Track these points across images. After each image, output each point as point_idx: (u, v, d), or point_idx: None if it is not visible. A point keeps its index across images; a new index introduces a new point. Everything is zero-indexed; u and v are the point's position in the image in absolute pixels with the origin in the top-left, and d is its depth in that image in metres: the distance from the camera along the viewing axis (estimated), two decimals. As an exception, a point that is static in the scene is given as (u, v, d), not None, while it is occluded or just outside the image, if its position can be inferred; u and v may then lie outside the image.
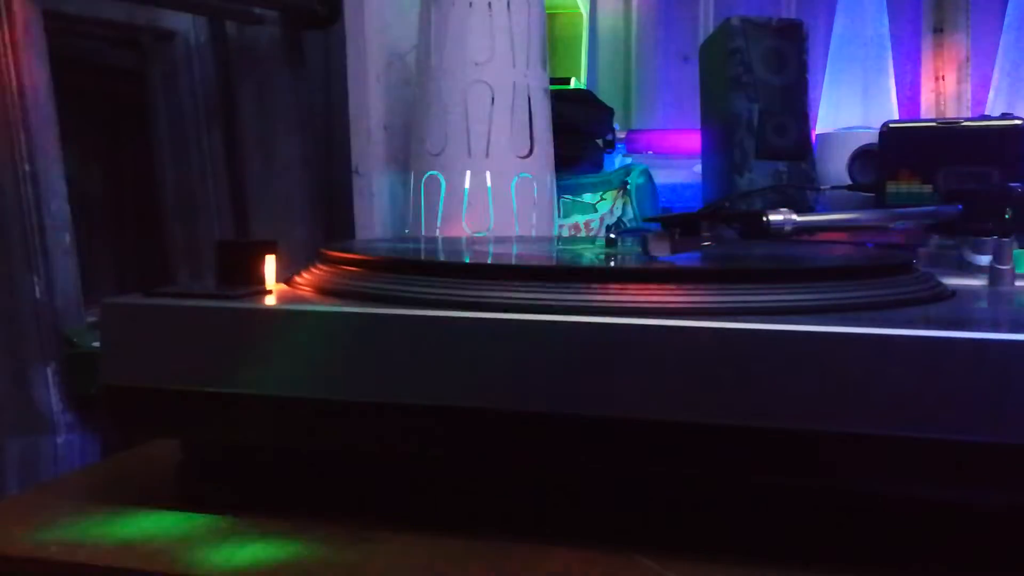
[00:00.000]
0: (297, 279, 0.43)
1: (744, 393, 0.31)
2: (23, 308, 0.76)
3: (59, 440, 0.77)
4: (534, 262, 0.46)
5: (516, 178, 0.76)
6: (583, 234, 0.92)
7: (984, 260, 0.45)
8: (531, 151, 0.77)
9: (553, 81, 0.84)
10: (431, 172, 0.77)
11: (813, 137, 0.99)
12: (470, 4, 0.75)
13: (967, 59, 1.13)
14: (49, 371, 0.76)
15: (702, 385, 0.32)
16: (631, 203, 0.93)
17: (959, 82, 1.13)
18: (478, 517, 0.36)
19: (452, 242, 0.63)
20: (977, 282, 0.44)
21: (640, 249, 0.46)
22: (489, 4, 0.75)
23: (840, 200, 0.93)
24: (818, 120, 1.18)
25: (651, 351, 0.32)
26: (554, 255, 0.49)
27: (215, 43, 1.00)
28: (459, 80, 0.76)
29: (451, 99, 0.76)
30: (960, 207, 0.53)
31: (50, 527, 0.36)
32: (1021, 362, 0.29)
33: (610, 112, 1.13)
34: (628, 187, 0.94)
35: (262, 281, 0.40)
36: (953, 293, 0.40)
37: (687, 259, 0.44)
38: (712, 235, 0.46)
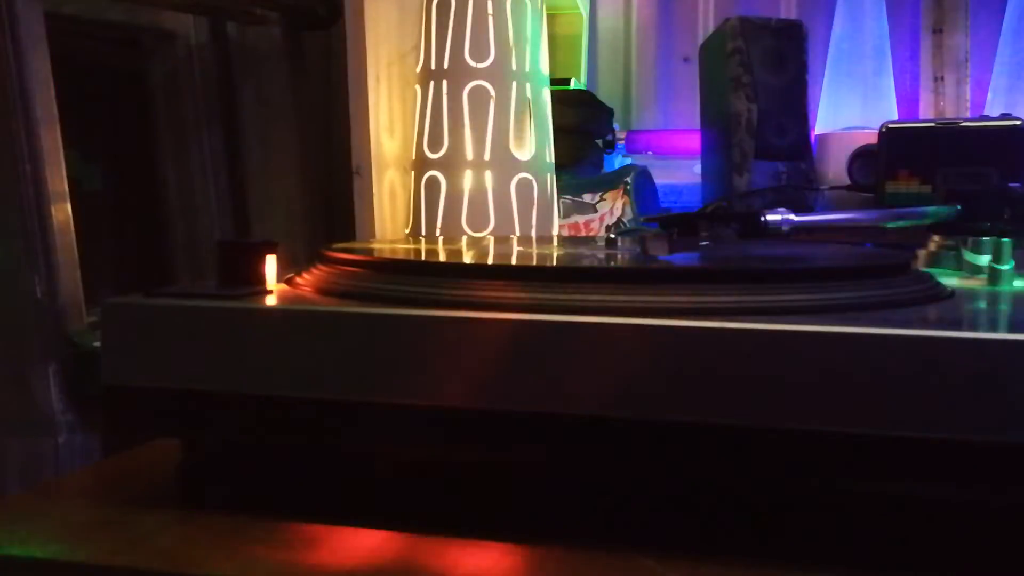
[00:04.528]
0: (297, 279, 0.43)
1: (743, 393, 0.31)
2: (24, 308, 0.76)
3: (59, 440, 0.77)
4: (534, 262, 0.46)
5: (516, 178, 0.76)
6: (583, 234, 0.92)
7: (983, 260, 0.45)
8: (531, 151, 0.77)
9: (553, 81, 0.84)
10: (431, 172, 0.77)
11: (812, 137, 0.99)
12: (470, 4, 0.75)
13: (966, 59, 1.13)
14: (50, 371, 0.76)
15: (701, 385, 0.32)
16: (631, 203, 0.93)
17: (958, 82, 1.13)
18: (477, 517, 0.36)
19: (452, 242, 0.63)
20: (976, 282, 0.44)
21: (639, 249, 0.46)
22: (489, 4, 0.75)
23: (839, 200, 0.93)
24: (817, 120, 1.18)
25: (650, 351, 0.32)
26: (554, 255, 0.49)
27: (215, 43, 1.01)
28: (459, 80, 0.76)
29: (451, 99, 0.76)
30: (960, 207, 0.53)
31: (50, 527, 0.36)
32: (1021, 362, 0.29)
33: (610, 112, 1.13)
34: (628, 187, 0.94)
35: (262, 281, 0.40)
36: (952, 293, 0.40)
37: (686, 259, 0.44)
38: (711, 235, 0.46)
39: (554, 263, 0.44)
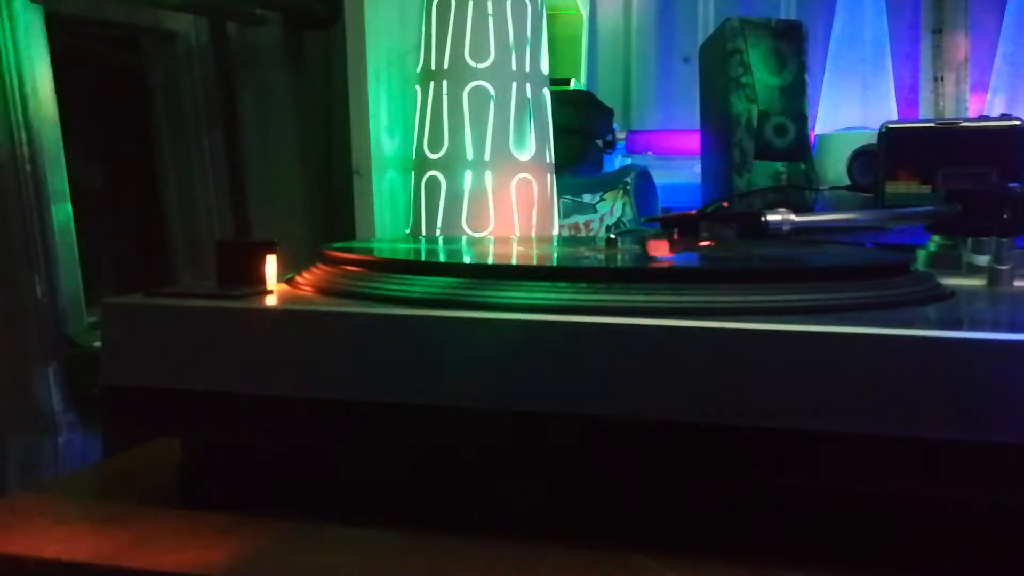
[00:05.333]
0: (297, 279, 0.43)
1: (744, 393, 0.31)
2: (24, 308, 0.76)
3: (59, 440, 0.77)
4: (534, 262, 0.46)
5: (516, 178, 0.76)
6: (583, 234, 0.92)
7: (983, 260, 0.45)
8: (531, 151, 0.77)
9: (553, 82, 0.84)
10: (431, 172, 0.77)
11: (812, 138, 0.99)
12: (470, 4, 0.75)
13: (966, 60, 1.13)
14: (50, 371, 0.76)
15: (702, 385, 0.32)
16: (631, 203, 0.93)
17: (958, 83, 1.13)
18: (478, 517, 0.36)
19: (452, 242, 0.63)
20: (976, 282, 0.44)
21: (639, 249, 0.46)
22: (489, 4, 0.75)
23: (839, 200, 0.93)
24: (817, 121, 1.18)
25: (651, 351, 0.32)
26: (554, 255, 0.49)
27: (215, 43, 1.00)
28: (459, 80, 0.76)
29: (451, 99, 0.76)
30: (960, 207, 0.53)
31: (50, 527, 0.36)
32: (1020, 362, 0.29)
33: (610, 113, 1.13)
34: (628, 187, 0.94)
35: (262, 281, 0.40)
36: (952, 293, 0.40)
37: (686, 259, 0.44)
38: (711, 236, 0.46)
39: (554, 263, 0.44)
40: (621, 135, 1.21)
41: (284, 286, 0.42)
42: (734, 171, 0.91)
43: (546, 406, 0.33)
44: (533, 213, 0.77)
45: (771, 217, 0.49)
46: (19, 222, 0.75)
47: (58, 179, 0.77)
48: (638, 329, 0.32)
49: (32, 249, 0.75)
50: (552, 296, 0.35)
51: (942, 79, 1.13)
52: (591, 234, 0.92)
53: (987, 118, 0.86)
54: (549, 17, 0.85)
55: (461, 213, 0.76)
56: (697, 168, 1.12)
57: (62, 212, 0.78)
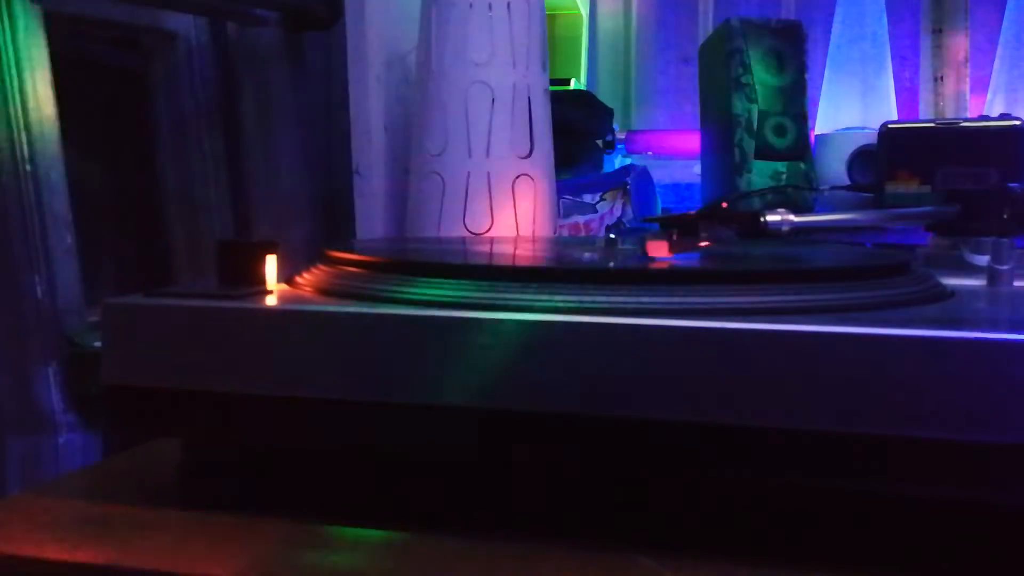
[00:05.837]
0: (298, 279, 0.43)
1: (744, 393, 0.31)
2: (24, 308, 0.76)
3: (60, 440, 0.77)
4: (534, 262, 0.46)
5: (516, 178, 0.76)
6: (583, 234, 0.92)
7: (983, 260, 0.45)
8: (531, 151, 0.77)
9: (553, 82, 0.84)
10: (431, 172, 0.77)
11: (812, 138, 0.99)
12: (470, 4, 0.75)
13: (966, 59, 1.13)
14: (50, 371, 0.76)
15: (702, 385, 0.32)
16: (631, 203, 0.93)
17: (958, 82, 1.13)
18: (476, 517, 0.36)
19: (452, 242, 0.63)
20: (976, 282, 0.44)
21: (639, 250, 0.46)
22: (489, 4, 0.75)
23: (839, 201, 0.93)
24: (817, 120, 1.18)
25: (651, 351, 0.32)
26: (554, 255, 0.49)
27: (216, 44, 1.01)
28: (459, 80, 0.76)
29: (451, 99, 0.76)
30: (960, 207, 0.53)
31: (50, 527, 0.36)
32: (1021, 362, 0.29)
33: (610, 113, 1.13)
34: (628, 187, 0.94)
35: (263, 281, 0.40)
36: (952, 293, 0.40)
37: (686, 259, 0.44)
38: (710, 236, 0.46)
39: (554, 263, 0.44)
40: (621, 135, 1.21)
41: (284, 286, 0.42)
42: (734, 171, 0.91)
43: (546, 406, 0.33)
44: (533, 213, 0.77)
45: (771, 217, 0.50)
46: (19, 222, 0.75)
47: (58, 179, 0.77)
48: (638, 329, 0.32)
49: (32, 249, 0.75)
50: (552, 296, 0.35)
51: (942, 79, 1.13)
52: (591, 234, 0.92)
53: (987, 118, 0.86)
54: (549, 17, 0.86)
55: (461, 213, 0.76)
56: (697, 168, 1.12)
57: (62, 212, 0.78)
